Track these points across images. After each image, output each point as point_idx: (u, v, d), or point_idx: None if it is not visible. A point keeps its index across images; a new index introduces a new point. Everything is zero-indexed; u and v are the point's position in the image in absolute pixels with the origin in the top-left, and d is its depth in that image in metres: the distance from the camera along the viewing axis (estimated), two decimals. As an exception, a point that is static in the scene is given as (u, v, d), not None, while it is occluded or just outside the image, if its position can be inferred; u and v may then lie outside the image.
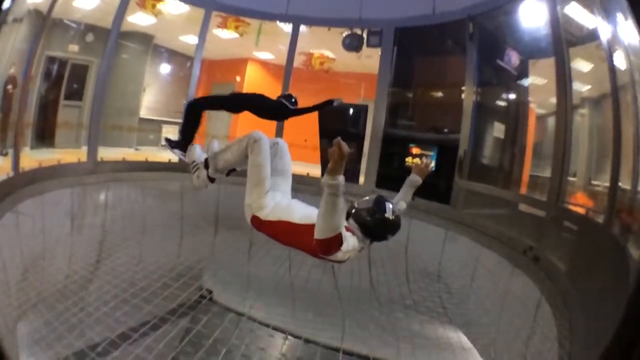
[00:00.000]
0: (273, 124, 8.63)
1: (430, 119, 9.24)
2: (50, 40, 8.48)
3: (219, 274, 6.19)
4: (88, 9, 9.04)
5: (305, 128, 9.08)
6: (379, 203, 3.10)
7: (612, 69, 5.07)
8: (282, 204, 3.35)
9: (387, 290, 6.12)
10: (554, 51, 6.27)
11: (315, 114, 9.57)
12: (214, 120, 11.29)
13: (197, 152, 4.09)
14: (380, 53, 9.04)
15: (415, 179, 3.77)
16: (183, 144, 4.54)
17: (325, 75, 10.56)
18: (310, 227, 2.84)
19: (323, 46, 10.48)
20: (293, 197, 3.62)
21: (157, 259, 6.17)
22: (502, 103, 8.27)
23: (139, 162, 8.88)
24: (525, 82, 7.63)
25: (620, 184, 4.73)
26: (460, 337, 5.00)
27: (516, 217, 6.77)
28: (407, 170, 3.91)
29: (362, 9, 8.92)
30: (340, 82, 10.99)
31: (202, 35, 9.14)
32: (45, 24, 7.62)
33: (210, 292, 5.42)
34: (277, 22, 9.77)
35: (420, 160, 3.97)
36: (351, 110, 9.77)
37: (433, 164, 8.11)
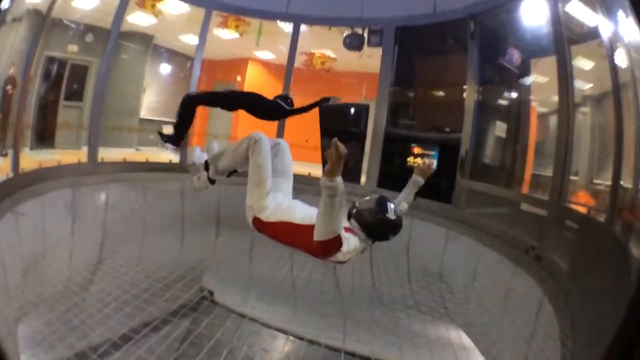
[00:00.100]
0: (274, 124, 8.62)
1: (431, 118, 9.21)
2: (49, 41, 8.46)
3: (220, 274, 6.18)
4: (87, 9, 9.02)
5: (306, 128, 9.08)
6: (381, 203, 3.09)
7: (614, 67, 5.06)
8: (283, 205, 3.34)
9: (388, 290, 6.12)
10: (556, 49, 6.25)
11: (316, 114, 9.63)
12: (215, 120, 11.27)
13: (197, 154, 4.10)
14: (381, 52, 9.02)
15: (417, 180, 3.78)
16: (175, 138, 4.55)
17: (327, 75, 10.53)
18: (311, 228, 2.84)
19: (324, 46, 10.45)
20: (294, 197, 3.63)
21: (158, 260, 6.16)
22: (503, 102, 8.25)
23: (139, 162, 8.86)
24: (527, 80, 7.61)
25: (621, 182, 4.72)
26: (462, 337, 5.01)
27: (518, 217, 6.75)
28: (409, 170, 3.92)
29: (363, 8, 8.91)
30: (342, 82, 10.95)
31: (203, 35, 9.11)
32: (44, 24, 7.61)
33: (211, 293, 5.43)
34: (278, 21, 9.75)
35: (422, 160, 3.98)
36: (352, 110, 9.76)
37: (435, 164, 8.08)
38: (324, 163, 8.20)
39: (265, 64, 12.43)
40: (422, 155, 8.34)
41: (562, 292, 4.57)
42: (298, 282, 6.09)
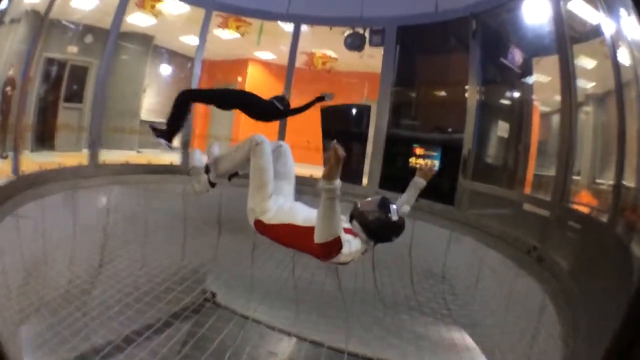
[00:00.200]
0: (275, 125, 8.62)
1: (433, 118, 9.21)
2: (48, 42, 8.45)
3: (222, 277, 6.19)
4: (86, 9, 9.01)
5: (308, 129, 9.09)
6: (383, 205, 3.08)
7: (616, 65, 5.05)
8: (285, 207, 3.33)
9: (391, 291, 6.13)
10: (558, 48, 6.24)
11: (317, 116, 9.62)
12: (216, 122, 11.28)
13: (197, 156, 4.08)
14: (382, 52, 9.01)
15: (419, 182, 3.78)
16: (168, 133, 4.53)
17: (328, 75, 10.52)
18: (313, 230, 2.83)
19: (325, 46, 10.44)
20: (297, 198, 3.61)
21: (161, 263, 6.17)
22: (506, 101, 8.24)
23: (141, 164, 8.86)
24: (529, 80, 7.60)
25: (624, 182, 4.71)
26: (465, 338, 5.01)
27: (520, 217, 6.75)
28: (411, 171, 3.92)
29: (364, 8, 8.90)
30: (343, 82, 10.95)
31: (203, 35, 9.11)
32: (43, 24, 7.60)
33: (214, 295, 5.42)
34: (278, 21, 9.75)
35: (424, 162, 3.97)
36: (354, 111, 9.77)
37: (437, 165, 8.09)
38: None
39: (266, 64, 12.43)
40: (424, 156, 8.34)
41: (564, 293, 4.56)
42: (300, 284, 6.10)
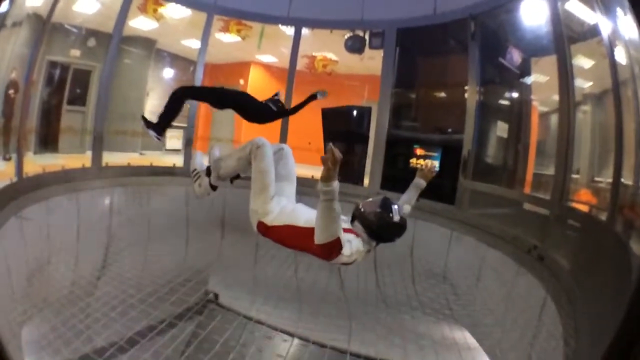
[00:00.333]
0: (277, 127, 8.64)
1: (433, 119, 9.24)
2: (51, 45, 8.49)
3: (225, 278, 6.20)
4: (89, 13, 9.05)
5: (309, 131, 9.11)
6: (385, 205, 3.10)
7: (613, 64, 5.06)
8: (287, 209, 3.35)
9: (393, 292, 6.14)
10: (556, 48, 6.25)
11: (319, 117, 9.64)
12: (218, 125, 11.31)
13: (198, 160, 4.10)
14: (382, 54, 9.03)
15: (419, 183, 3.82)
16: (159, 126, 4.56)
17: (329, 78, 10.53)
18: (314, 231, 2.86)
19: (325, 48, 10.46)
20: (299, 199, 3.63)
21: (164, 264, 6.19)
22: (505, 102, 8.26)
23: (144, 166, 8.89)
24: (528, 80, 7.62)
25: (622, 179, 4.73)
26: (466, 338, 5.01)
27: (521, 216, 6.76)
28: (412, 171, 3.94)
29: (364, 11, 8.92)
30: (344, 84, 10.96)
31: (205, 39, 9.13)
32: (45, 28, 7.61)
33: (217, 296, 5.44)
34: (279, 25, 9.78)
35: (424, 162, 3.99)
36: (355, 112, 9.78)
37: (437, 166, 8.10)
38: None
39: (268, 67, 12.48)
40: (424, 157, 8.36)
41: (565, 291, 4.58)
42: (303, 285, 6.12)
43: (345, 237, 2.93)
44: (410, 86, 9.44)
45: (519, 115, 7.76)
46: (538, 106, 7.49)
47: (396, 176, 8.26)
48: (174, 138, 11.55)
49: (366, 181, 9.10)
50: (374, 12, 8.88)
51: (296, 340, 4.75)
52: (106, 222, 7.31)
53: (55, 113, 9.25)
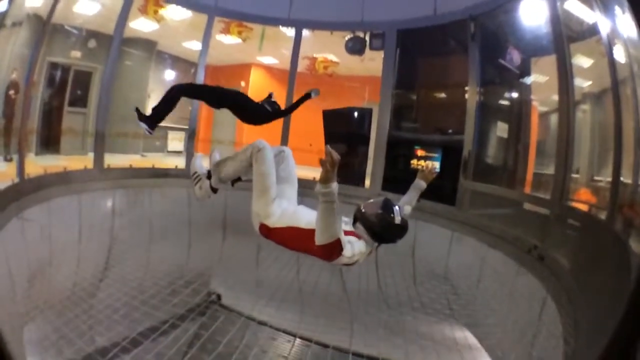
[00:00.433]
0: (278, 129, 8.66)
1: (434, 120, 9.25)
2: (51, 46, 8.51)
3: (228, 279, 6.21)
4: (89, 14, 9.07)
5: (310, 132, 9.12)
6: (387, 206, 3.12)
7: (612, 63, 5.08)
8: (289, 211, 3.37)
9: (394, 292, 6.15)
10: (555, 48, 6.26)
11: (320, 119, 9.64)
12: (220, 127, 11.32)
13: (198, 163, 4.10)
14: (383, 55, 9.05)
15: (420, 184, 3.83)
16: (151, 120, 4.57)
17: (329, 79, 10.55)
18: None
19: (326, 50, 10.48)
20: (300, 201, 3.64)
21: (166, 266, 6.20)
22: (505, 102, 8.27)
23: (145, 168, 8.91)
24: (528, 80, 7.64)
25: (622, 178, 4.74)
26: (467, 338, 5.02)
27: (521, 216, 6.77)
28: (413, 173, 3.96)
29: (364, 12, 8.94)
30: (344, 86, 10.98)
31: (206, 41, 9.13)
32: (45, 29, 7.60)
33: (219, 297, 5.45)
34: (280, 26, 9.80)
35: (425, 164, 4.00)
36: (356, 114, 9.79)
37: (437, 167, 8.12)
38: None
39: (269, 69, 12.50)
40: (425, 158, 8.38)
41: (565, 291, 4.59)
42: (305, 286, 6.13)
43: (346, 238, 2.96)
44: (410, 87, 9.46)
45: (519, 115, 7.77)
46: (538, 106, 7.50)
47: (397, 177, 8.28)
48: (175, 140, 11.59)
49: (367, 182, 9.12)
50: (374, 14, 8.89)
51: (298, 341, 4.77)
52: (108, 224, 7.32)
53: (56, 114, 9.27)
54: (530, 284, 5.19)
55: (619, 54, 4.93)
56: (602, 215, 5.22)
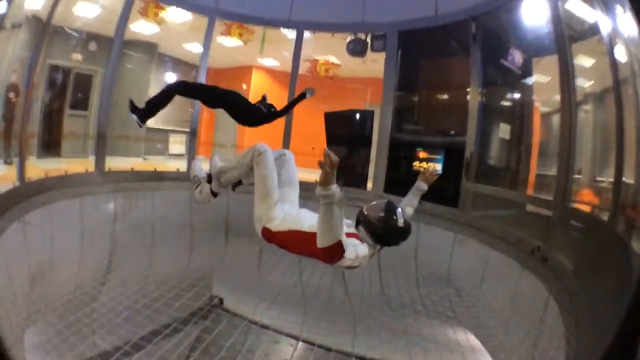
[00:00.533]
0: (280, 132, 8.66)
1: (436, 121, 9.23)
2: (52, 49, 8.50)
3: (230, 282, 6.20)
4: (89, 17, 9.06)
5: (312, 135, 9.11)
6: (389, 209, 3.10)
7: (614, 63, 5.07)
8: (291, 214, 3.36)
9: (397, 295, 6.14)
10: (557, 48, 6.25)
11: (322, 121, 9.63)
12: (222, 129, 11.31)
13: (198, 166, 4.10)
14: (384, 57, 9.02)
15: (421, 186, 3.82)
16: (143, 113, 4.57)
17: (331, 82, 10.54)
18: (319, 235, 2.87)
19: (327, 52, 10.48)
20: (303, 204, 3.64)
21: (168, 269, 6.20)
22: (507, 103, 8.26)
23: (147, 171, 8.92)
24: (530, 80, 7.63)
25: (624, 179, 4.73)
26: (470, 340, 5.01)
27: (524, 218, 6.77)
28: (415, 175, 3.94)
29: (365, 13, 8.93)
30: (346, 88, 10.98)
31: (207, 43, 9.11)
32: (45, 31, 7.60)
33: (221, 301, 5.44)
34: (281, 28, 9.79)
35: (426, 166, 3.99)
36: (358, 116, 9.77)
37: (439, 169, 8.11)
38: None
39: (270, 71, 12.51)
40: (427, 160, 8.37)
41: (568, 292, 4.58)
42: (307, 289, 6.12)
43: (349, 241, 2.94)
44: (412, 89, 9.45)
45: (521, 116, 7.76)
46: (540, 107, 7.49)
47: (399, 179, 8.24)
48: (176, 143, 11.59)
49: (369, 185, 9.13)
50: (375, 15, 8.86)
51: (301, 344, 4.76)
52: (110, 227, 7.31)
53: (57, 117, 9.27)
54: (533, 285, 5.18)
55: (620, 54, 4.92)
56: (605, 216, 5.22)
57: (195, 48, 10.24)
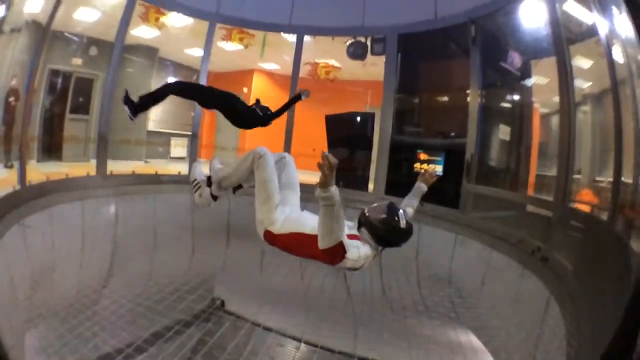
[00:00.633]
0: (281, 135, 8.68)
1: (436, 123, 9.26)
2: (52, 53, 8.55)
3: (232, 284, 6.20)
4: (89, 21, 9.09)
5: (313, 137, 9.13)
6: (391, 211, 3.13)
7: (611, 64, 5.09)
8: (292, 217, 3.38)
9: (398, 296, 6.14)
10: (555, 50, 6.27)
11: (322, 123, 9.65)
12: (223, 132, 11.33)
13: (198, 170, 4.11)
14: (384, 60, 9.05)
15: (420, 187, 3.86)
16: (136, 106, 4.58)
17: (332, 85, 10.57)
18: (321, 237, 2.89)
19: (328, 55, 10.50)
20: (305, 206, 3.65)
21: (170, 272, 6.20)
22: (507, 104, 8.29)
23: (148, 175, 8.93)
24: (529, 82, 7.65)
25: (622, 179, 4.75)
26: (472, 341, 5.01)
27: (524, 218, 6.79)
28: (416, 176, 3.98)
29: (365, 17, 8.95)
30: (347, 91, 11.03)
31: (207, 47, 9.13)
32: (45, 36, 7.60)
33: (223, 303, 5.44)
34: (281, 33, 9.81)
35: (426, 167, 4.01)
36: (358, 118, 9.81)
37: (440, 170, 8.13)
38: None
39: (271, 74, 12.58)
40: (428, 162, 8.38)
41: (568, 292, 4.59)
42: (310, 291, 6.12)
43: (351, 242, 2.96)
44: (412, 91, 9.48)
45: (520, 117, 7.79)
46: (539, 108, 7.52)
47: (400, 181, 8.27)
48: (178, 146, 11.62)
49: (370, 187, 9.14)
50: (375, 18, 8.90)
51: (304, 346, 4.76)
52: (111, 230, 7.31)
53: (58, 121, 9.31)
54: (534, 285, 5.18)
55: (618, 55, 4.94)
56: (604, 216, 5.23)
57: (196, 52, 10.28)
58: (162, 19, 9.38)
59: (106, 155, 8.19)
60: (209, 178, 3.92)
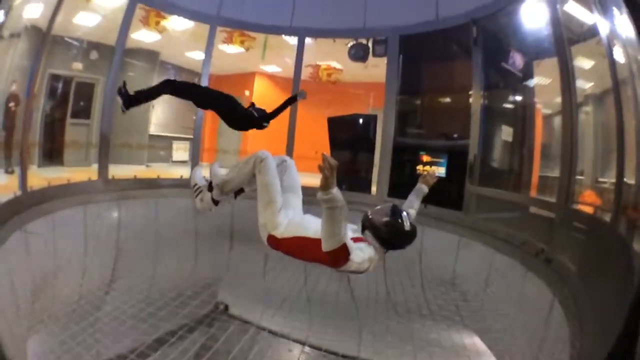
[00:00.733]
0: (283, 137, 8.67)
1: (439, 125, 9.25)
2: (52, 58, 8.53)
3: (235, 289, 6.19)
4: (89, 26, 9.08)
5: (315, 140, 9.12)
6: (395, 213, 3.11)
7: (613, 64, 5.08)
8: (295, 220, 3.37)
9: (403, 299, 6.13)
10: (557, 50, 6.26)
11: (325, 126, 9.64)
12: (225, 136, 11.32)
13: (199, 174, 4.10)
14: (386, 62, 9.04)
15: (421, 189, 3.85)
16: (130, 99, 4.57)
17: (333, 87, 10.57)
18: (325, 240, 2.88)
19: (329, 57, 10.52)
20: (307, 209, 3.64)
21: (173, 276, 6.19)
22: (509, 106, 8.28)
23: (150, 179, 8.92)
24: (531, 83, 7.64)
25: (625, 179, 4.74)
26: (476, 344, 5.00)
27: (527, 220, 6.77)
28: (419, 178, 3.97)
29: (366, 19, 8.94)
30: (349, 93, 11.03)
31: (208, 50, 9.12)
32: (44, 41, 7.58)
33: (226, 307, 5.43)
34: (282, 35, 9.80)
35: (427, 168, 4.00)
36: (361, 120, 9.80)
37: (442, 171, 8.12)
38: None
39: (272, 77, 12.58)
40: (431, 163, 8.37)
41: (572, 293, 4.57)
42: (313, 294, 6.11)
43: (355, 245, 2.95)
44: (414, 93, 9.47)
45: (523, 118, 7.78)
46: (541, 109, 7.51)
47: (403, 183, 8.24)
48: (180, 150, 11.61)
49: (373, 189, 9.13)
50: (376, 20, 8.90)
51: (308, 350, 4.74)
52: (113, 235, 7.30)
53: (59, 126, 9.30)
54: (538, 287, 5.17)
55: (619, 55, 4.93)
56: (607, 217, 5.22)
57: (197, 55, 10.27)
58: (163, 22, 9.39)
59: (108, 159, 8.18)
60: (210, 183, 3.90)
